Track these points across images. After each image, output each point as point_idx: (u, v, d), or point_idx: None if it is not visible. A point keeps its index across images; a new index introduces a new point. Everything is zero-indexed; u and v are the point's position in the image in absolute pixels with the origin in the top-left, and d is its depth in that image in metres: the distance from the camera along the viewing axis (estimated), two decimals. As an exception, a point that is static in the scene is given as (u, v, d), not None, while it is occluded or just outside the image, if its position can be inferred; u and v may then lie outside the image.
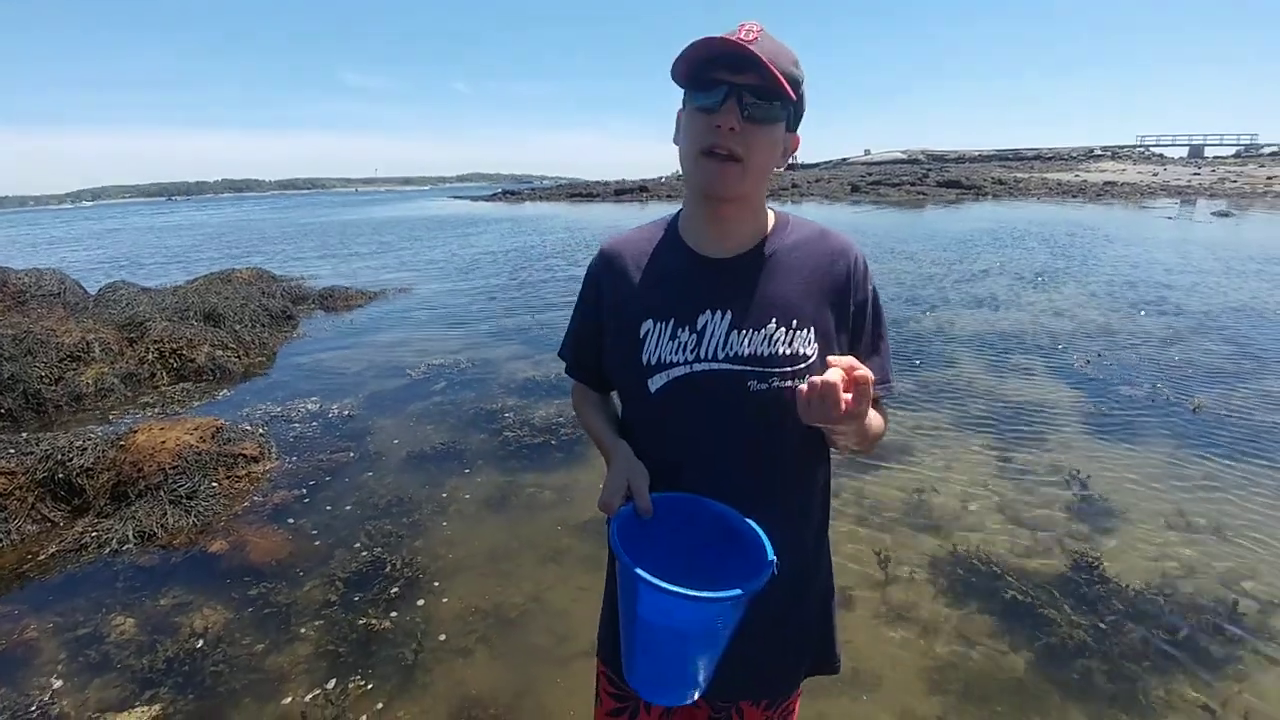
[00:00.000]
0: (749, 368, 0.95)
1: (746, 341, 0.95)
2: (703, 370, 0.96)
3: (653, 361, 0.98)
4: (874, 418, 0.95)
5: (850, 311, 1.01)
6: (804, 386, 0.81)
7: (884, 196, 27.98)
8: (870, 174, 38.77)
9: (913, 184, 31.47)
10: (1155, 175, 33.27)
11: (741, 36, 0.86)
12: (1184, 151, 49.78)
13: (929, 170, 39.19)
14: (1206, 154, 49.00)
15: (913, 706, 2.10)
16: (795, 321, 0.96)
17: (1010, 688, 2.16)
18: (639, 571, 0.79)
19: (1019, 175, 35.32)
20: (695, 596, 0.77)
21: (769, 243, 1.00)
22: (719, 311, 0.96)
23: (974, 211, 21.23)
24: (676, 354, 0.97)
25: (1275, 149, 45.85)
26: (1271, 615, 2.45)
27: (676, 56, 0.89)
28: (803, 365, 0.95)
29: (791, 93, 0.89)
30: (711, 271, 0.98)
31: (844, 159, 60.58)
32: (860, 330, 1.02)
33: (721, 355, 0.95)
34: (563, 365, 1.20)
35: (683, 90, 0.94)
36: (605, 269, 1.07)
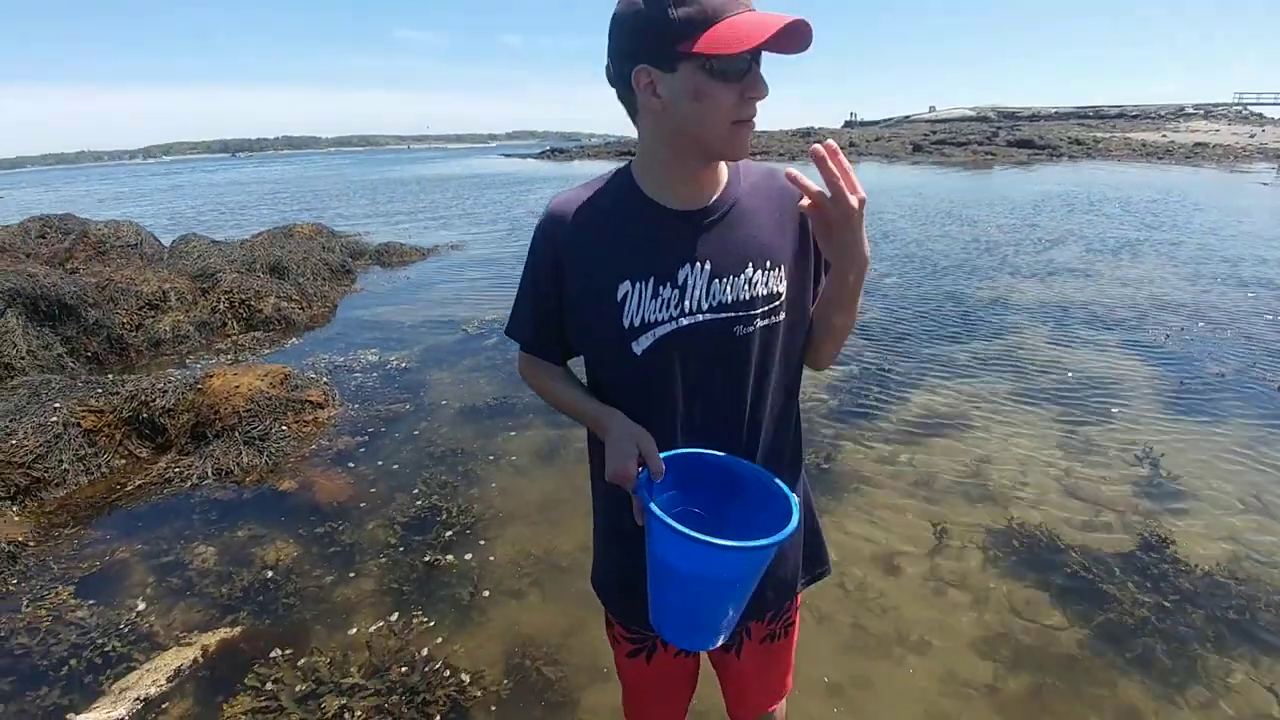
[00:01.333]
0: (733, 313, 0.97)
1: (729, 289, 0.96)
2: (689, 324, 0.96)
3: (635, 323, 0.96)
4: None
5: (808, 236, 1.02)
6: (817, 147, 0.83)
7: (948, 157, 26.71)
8: (935, 132, 36.97)
9: (980, 143, 29.89)
10: (1252, 137, 30.69)
11: None
12: (1288, 110, 45.60)
13: (999, 128, 37.06)
14: (1314, 113, 44.73)
15: (959, 672, 2.09)
16: (769, 262, 0.98)
17: (1063, 660, 2.12)
18: (686, 530, 0.79)
19: (1099, 135, 33.10)
20: (744, 547, 0.78)
21: (731, 189, 1.00)
22: (698, 264, 0.96)
23: (1047, 173, 20.06)
24: (660, 311, 0.96)
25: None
26: None
27: (688, 26, 0.82)
28: (776, 303, 0.99)
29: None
30: (687, 224, 0.97)
31: (906, 116, 57.82)
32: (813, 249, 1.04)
33: (706, 306, 0.96)
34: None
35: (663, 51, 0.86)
36: (559, 234, 1.01)
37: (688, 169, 0.95)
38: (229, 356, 5.36)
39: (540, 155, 47.84)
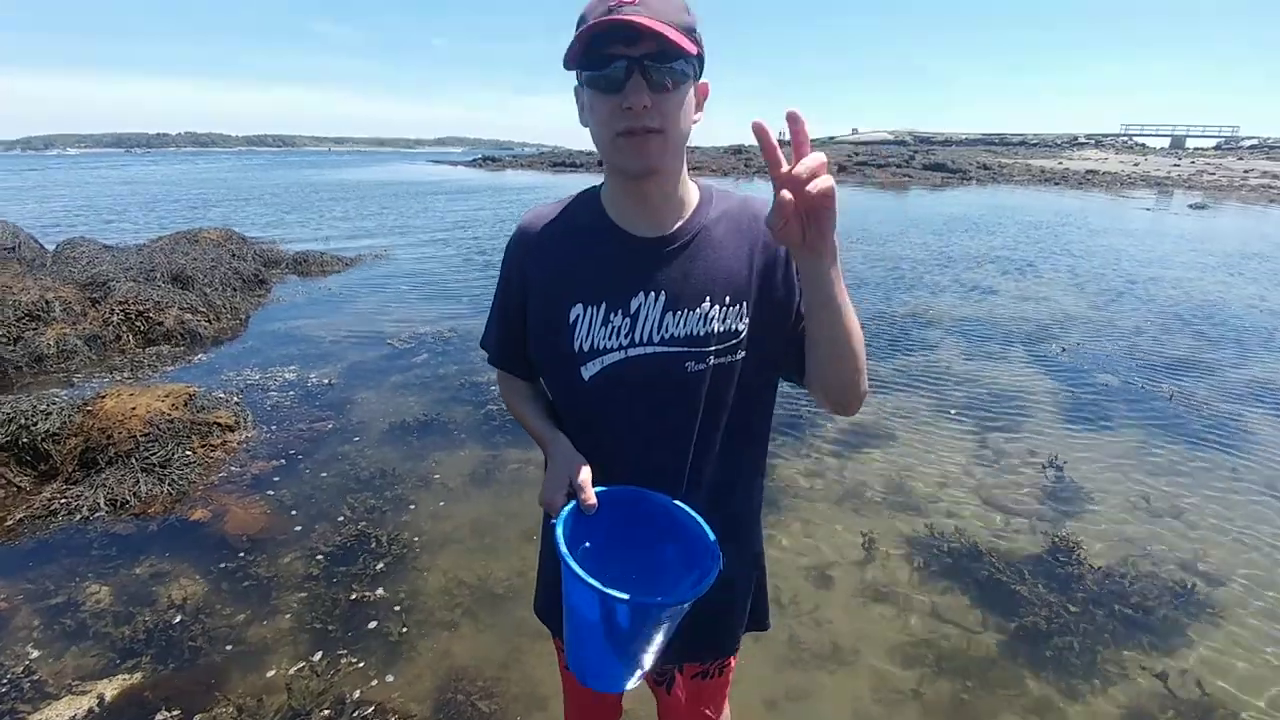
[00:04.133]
0: (685, 348, 0.94)
1: (682, 322, 0.93)
2: (638, 354, 0.94)
3: (584, 348, 0.95)
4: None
5: (783, 270, 0.97)
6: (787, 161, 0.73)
7: (870, 177, 28.01)
8: (857, 153, 38.71)
9: (899, 166, 31.52)
10: (1136, 165, 33.77)
11: (623, 4, 0.81)
12: (1166, 142, 50.52)
13: (915, 152, 39.26)
14: (1188, 145, 49.74)
15: (887, 680, 2.16)
16: (728, 298, 0.94)
17: (982, 662, 2.25)
18: (581, 573, 0.77)
19: (1004, 161, 35.60)
20: (639, 602, 0.77)
21: (696, 218, 0.97)
22: (652, 293, 0.94)
23: (957, 196, 21.38)
24: (610, 339, 0.94)
25: (1254, 142, 46.72)
26: (1218, 591, 2.61)
27: (566, 48, 0.85)
28: (734, 341, 0.95)
29: (692, 46, 0.84)
30: (643, 252, 0.94)
31: (831, 137, 60.36)
32: (794, 285, 0.96)
33: (657, 338, 0.93)
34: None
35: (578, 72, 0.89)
36: (526, 249, 1.01)
37: (627, 189, 0.94)
38: (126, 374, 4.95)
39: (471, 163, 47.01)
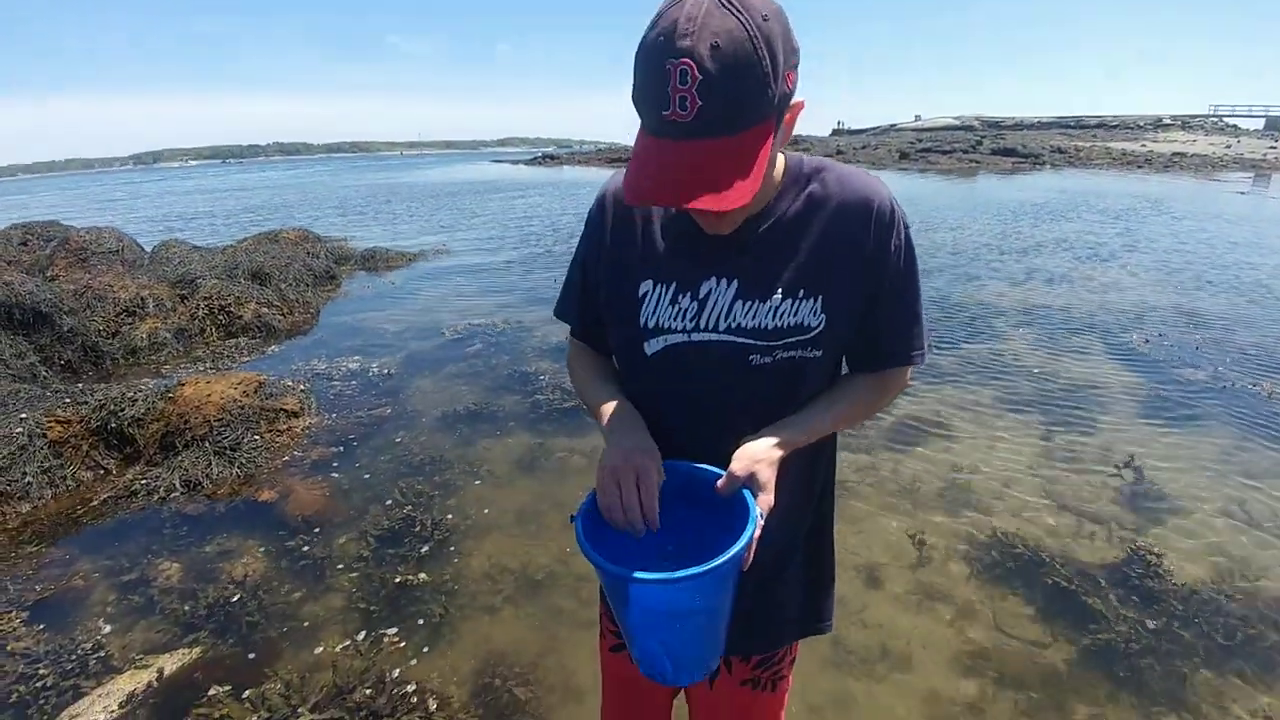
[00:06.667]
0: (752, 340, 0.89)
1: (751, 314, 0.88)
2: (701, 340, 0.90)
3: (649, 325, 0.92)
4: (842, 412, 0.96)
5: (871, 269, 0.89)
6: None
7: (933, 164, 26.90)
8: (920, 140, 37.25)
9: (965, 151, 30.13)
10: (1228, 147, 31.14)
11: (680, 95, 0.69)
12: (1260, 124, 46.43)
13: (983, 137, 37.42)
14: (1287, 125, 45.61)
15: (943, 689, 2.04)
16: (803, 291, 0.88)
17: (1050, 678, 2.08)
18: (602, 560, 0.77)
19: (1080, 144, 33.47)
20: (662, 579, 0.74)
21: (780, 202, 0.90)
22: (724, 280, 0.89)
23: (1030, 181, 20.25)
24: (675, 320, 0.91)
25: (1365, 121, 42.43)
26: None
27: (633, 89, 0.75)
28: (807, 336, 0.89)
29: (773, 89, 0.72)
30: (719, 237, 0.89)
31: (893, 125, 58.32)
32: (878, 290, 0.91)
33: (723, 326, 0.89)
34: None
35: None
36: (608, 216, 0.99)
37: None
38: (207, 365, 5.25)
39: (531, 161, 47.79)
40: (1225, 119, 48.07)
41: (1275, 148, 30.53)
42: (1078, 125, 47.50)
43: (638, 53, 0.73)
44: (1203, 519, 2.89)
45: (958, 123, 52.72)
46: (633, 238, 0.96)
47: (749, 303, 0.89)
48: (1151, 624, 2.26)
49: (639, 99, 0.75)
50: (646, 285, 0.93)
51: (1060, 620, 2.32)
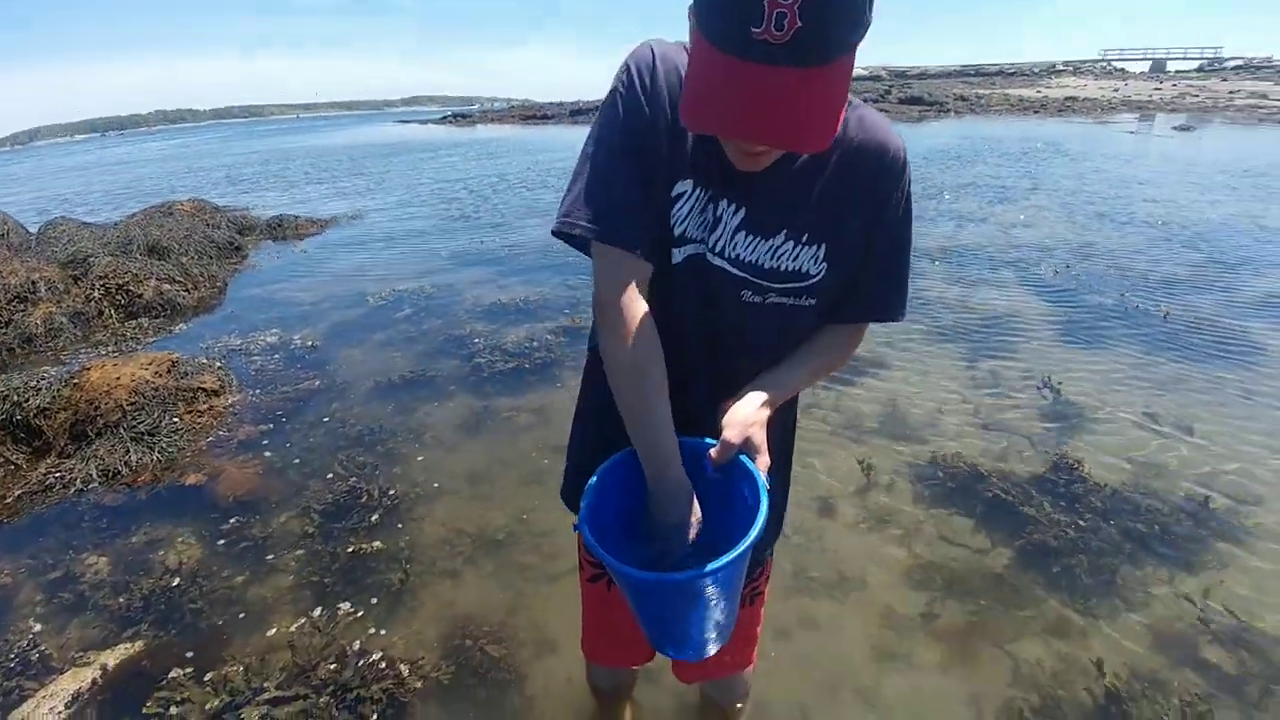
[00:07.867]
0: (747, 275, 0.85)
1: (751, 248, 0.84)
2: (713, 262, 0.86)
3: (678, 232, 0.85)
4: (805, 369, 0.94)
5: (872, 219, 0.87)
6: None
7: (849, 114, 27.41)
8: (834, 91, 37.72)
9: (874, 100, 30.80)
10: (1116, 91, 33.21)
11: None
12: (1146, 66, 49.65)
13: (891, 87, 38.36)
14: (1169, 68, 48.96)
15: (896, 605, 2.16)
16: (806, 236, 0.84)
17: (992, 582, 2.24)
18: (610, 559, 0.76)
19: (981, 91, 34.87)
20: (665, 580, 0.75)
21: None
22: (734, 205, 0.83)
23: (937, 128, 21.01)
24: (699, 230, 0.85)
25: (1239, 63, 45.98)
26: (1241, 508, 2.55)
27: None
28: (803, 284, 0.86)
29: (869, 16, 0.65)
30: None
31: (808, 76, 58.65)
32: (873, 242, 0.89)
33: (726, 255, 0.85)
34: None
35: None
36: (656, 82, 0.80)
37: None
38: (110, 348, 4.80)
39: (441, 120, 45.62)
40: (1114, 63, 51.10)
41: (1160, 89, 32.76)
42: (978, 74, 49.37)
43: None
44: (1116, 428, 3.14)
45: (866, 73, 53.71)
46: (662, 123, 0.81)
47: (751, 236, 0.83)
48: (1080, 523, 2.46)
49: (717, 7, 0.63)
50: (685, 185, 0.82)
51: (998, 529, 2.48)
